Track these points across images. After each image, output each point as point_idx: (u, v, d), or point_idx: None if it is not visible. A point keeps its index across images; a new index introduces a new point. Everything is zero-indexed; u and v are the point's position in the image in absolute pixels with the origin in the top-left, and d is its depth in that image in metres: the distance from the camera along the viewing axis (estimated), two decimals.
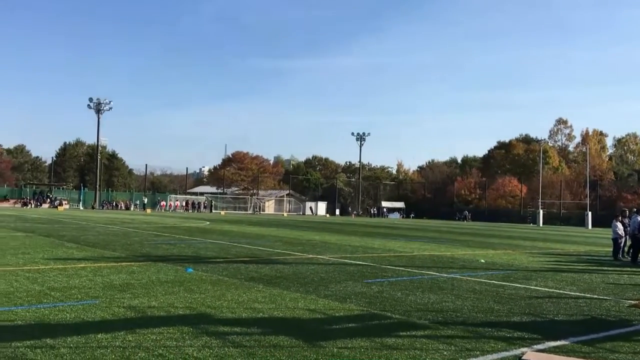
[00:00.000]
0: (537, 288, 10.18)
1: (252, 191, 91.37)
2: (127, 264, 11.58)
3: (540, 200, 67.69)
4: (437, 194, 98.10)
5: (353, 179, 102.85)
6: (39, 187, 79.12)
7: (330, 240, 21.77)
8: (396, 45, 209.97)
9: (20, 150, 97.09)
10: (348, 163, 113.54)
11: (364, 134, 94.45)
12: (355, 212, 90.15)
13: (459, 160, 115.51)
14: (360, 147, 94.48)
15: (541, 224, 63.35)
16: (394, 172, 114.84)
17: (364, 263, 13.30)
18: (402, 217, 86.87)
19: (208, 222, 35.82)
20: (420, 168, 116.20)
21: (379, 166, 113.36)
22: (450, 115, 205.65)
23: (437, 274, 11.80)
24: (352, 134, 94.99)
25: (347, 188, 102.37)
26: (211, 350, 5.13)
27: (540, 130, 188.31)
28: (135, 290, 8.23)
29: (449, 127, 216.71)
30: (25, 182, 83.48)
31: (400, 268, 12.57)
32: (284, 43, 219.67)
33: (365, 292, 8.89)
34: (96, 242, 16.94)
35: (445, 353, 5.35)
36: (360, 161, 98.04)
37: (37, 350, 4.90)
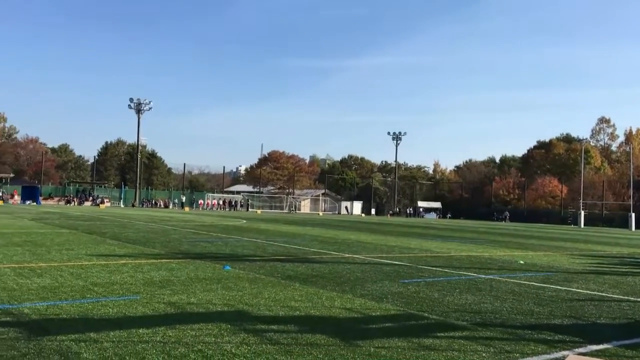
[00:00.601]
0: (579, 290, 9.93)
1: (287, 190, 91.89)
2: (166, 260, 11.80)
3: (581, 200, 66.04)
4: (475, 194, 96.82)
5: (389, 179, 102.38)
6: (82, 185, 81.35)
7: (366, 239, 21.72)
8: (433, 44, 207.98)
9: (64, 149, 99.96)
10: (384, 162, 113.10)
11: (400, 133, 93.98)
12: (390, 211, 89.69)
13: (497, 160, 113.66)
14: (397, 146, 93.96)
15: (582, 225, 61.79)
16: (431, 171, 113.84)
17: (400, 263, 13.23)
18: (439, 217, 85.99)
19: (244, 221, 36.19)
20: (457, 168, 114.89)
21: (415, 165, 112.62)
22: (488, 114, 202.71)
23: (475, 274, 11.64)
24: (388, 133, 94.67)
25: (382, 187, 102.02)
26: (249, 347, 5.19)
27: (581, 130, 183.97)
28: (175, 287, 8.38)
29: (487, 126, 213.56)
30: (68, 180, 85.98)
31: (437, 268, 12.45)
32: (321, 43, 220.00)
33: (402, 292, 8.84)
34: (136, 239, 17.32)
35: (484, 355, 5.28)
36: (396, 160, 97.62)
37: (82, 344, 5.04)
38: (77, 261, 11.09)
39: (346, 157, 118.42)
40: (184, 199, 79.04)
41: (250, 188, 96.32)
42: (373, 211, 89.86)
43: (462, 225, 48.07)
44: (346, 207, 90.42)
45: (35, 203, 64.17)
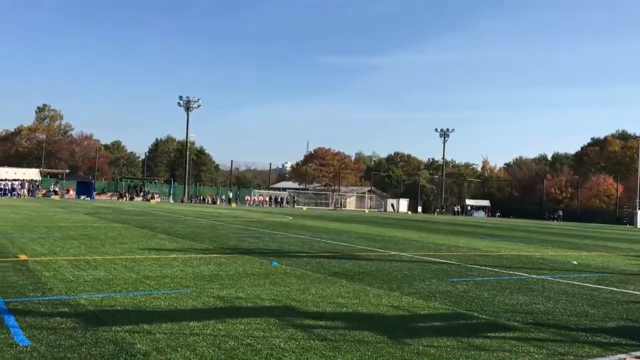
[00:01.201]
0: (636, 292, 9.56)
1: (333, 187, 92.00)
2: (215, 255, 12.02)
3: (638, 200, 63.49)
4: (525, 192, 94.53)
5: (436, 176, 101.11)
6: (133, 181, 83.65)
7: (412, 237, 21.52)
8: (483, 40, 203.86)
9: (116, 146, 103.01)
10: (431, 160, 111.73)
11: (447, 130, 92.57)
12: (437, 209, 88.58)
13: (549, 158, 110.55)
14: (444, 143, 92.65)
15: (639, 226, 59.40)
16: (479, 169, 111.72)
17: (448, 262, 13.05)
18: (487, 215, 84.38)
19: (290, 217, 36.45)
20: (507, 165, 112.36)
21: (463, 163, 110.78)
22: (540, 110, 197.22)
23: (526, 274, 11.37)
24: (436, 130, 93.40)
25: (429, 185, 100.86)
26: (297, 342, 5.23)
27: (638, 126, 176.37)
28: (224, 282, 8.52)
29: (538, 123, 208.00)
30: (120, 176, 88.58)
31: (487, 268, 12.22)
32: (368, 39, 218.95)
33: (450, 290, 8.72)
34: (186, 234, 17.69)
35: (536, 356, 5.15)
36: (443, 157, 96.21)
37: (135, 335, 5.19)
38: (130, 254, 11.42)
39: (392, 154, 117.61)
40: (231, 195, 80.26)
41: (296, 185, 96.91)
42: (419, 209, 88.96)
43: (512, 224, 47.00)
44: (392, 205, 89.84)
45: (89, 198, 66.39)
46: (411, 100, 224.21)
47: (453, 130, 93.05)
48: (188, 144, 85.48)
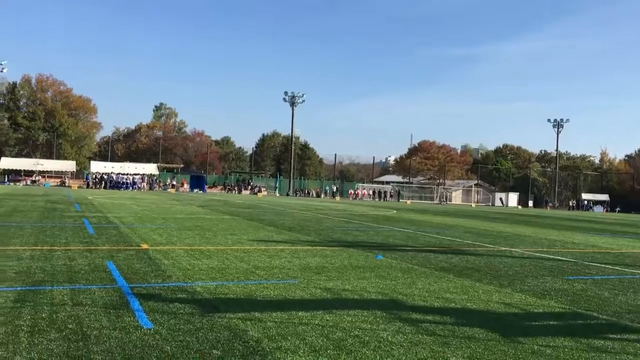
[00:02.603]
0: None
1: (438, 181, 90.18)
2: (320, 248, 12.22)
3: None
4: None
5: (549, 169, 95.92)
6: (241, 175, 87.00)
7: (524, 232, 20.59)
8: (593, 25, 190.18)
9: (226, 141, 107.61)
10: (543, 152, 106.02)
11: (561, 120, 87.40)
12: (550, 204, 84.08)
13: None
14: (558, 134, 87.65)
15: None
16: (597, 161, 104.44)
17: (563, 258, 12.35)
18: (606, 210, 78.86)
19: (394, 211, 36.20)
20: (629, 157, 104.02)
21: (578, 155, 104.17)
22: None
23: None
24: (549, 120, 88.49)
25: (541, 178, 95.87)
26: (405, 336, 5.19)
27: None
28: (330, 273, 8.64)
29: None
30: (230, 170, 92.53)
31: (607, 266, 11.42)
32: (468, 29, 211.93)
33: (566, 289, 8.25)
34: (292, 226, 18.14)
35: None
36: (557, 149, 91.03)
37: (247, 322, 5.41)
38: (240, 245, 11.91)
39: (501, 146, 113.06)
40: (335, 188, 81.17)
41: (399, 178, 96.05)
42: (530, 203, 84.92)
43: (635, 220, 43.56)
44: (500, 199, 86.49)
45: (201, 191, 69.91)
46: (519, 90, 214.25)
47: (567, 120, 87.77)
48: (293, 138, 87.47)
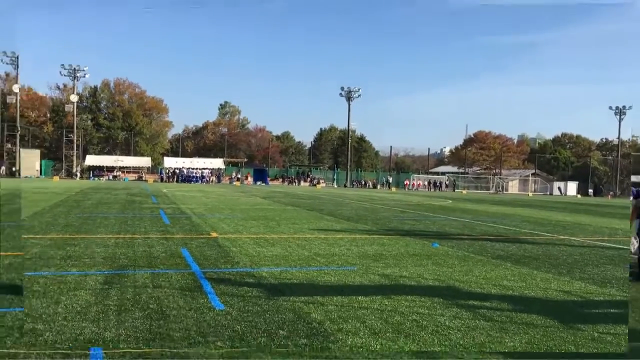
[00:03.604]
0: None
1: (494, 171, 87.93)
2: (378, 236, 12.23)
3: None
4: None
5: (610, 157, 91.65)
6: (301, 168, 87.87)
7: (583, 221, 19.84)
8: None
9: (286, 136, 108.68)
10: (604, 140, 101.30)
11: (624, 107, 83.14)
12: (612, 192, 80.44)
13: None
14: (620, 121, 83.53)
15: None
16: None
17: (625, 247, 11.85)
18: None
19: (450, 201, 35.63)
20: None
21: None
22: None
23: None
24: (610, 107, 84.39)
25: (602, 167, 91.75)
26: (462, 321, 5.17)
27: None
28: (387, 261, 8.66)
29: None
30: (290, 163, 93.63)
31: None
32: (526, 16, 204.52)
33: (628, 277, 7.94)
34: (350, 216, 18.21)
35: None
36: (619, 137, 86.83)
37: (310, 306, 5.53)
38: (302, 234, 12.08)
39: (559, 135, 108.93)
40: (390, 179, 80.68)
41: (454, 169, 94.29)
42: (590, 192, 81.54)
43: None
44: (559, 188, 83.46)
45: (264, 184, 71.09)
46: (578, 77, 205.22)
47: (630, 107, 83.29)
48: (350, 132, 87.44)
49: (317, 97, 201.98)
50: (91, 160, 71.54)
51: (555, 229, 15.81)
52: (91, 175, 68.81)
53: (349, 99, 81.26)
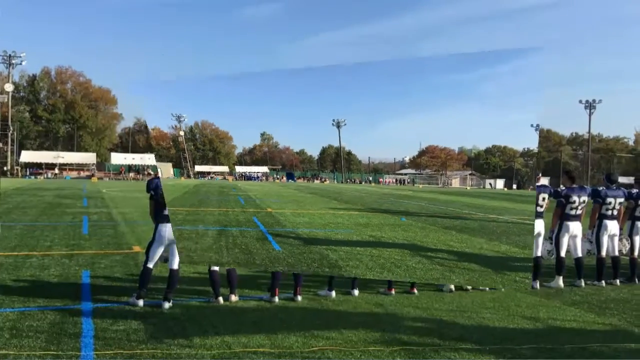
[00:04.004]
0: None
1: (441, 172, 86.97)
2: (365, 212, 12.45)
3: None
4: None
5: (580, 152, 70.19)
6: (314, 171, 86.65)
7: (508, 206, 19.92)
8: None
9: (302, 152, 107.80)
10: (574, 134, 74.52)
11: (593, 101, 60.59)
12: (532, 186, 75.07)
13: None
14: (590, 115, 61.59)
15: None
16: (631, 142, 74.19)
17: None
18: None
19: (411, 192, 34.97)
20: None
21: (612, 137, 73.68)
22: None
23: None
24: (580, 101, 61.04)
25: (572, 162, 68.09)
26: (423, 265, 5.60)
27: None
28: (372, 227, 8.92)
29: None
30: (306, 168, 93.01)
31: None
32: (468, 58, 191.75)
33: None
34: (347, 200, 18.19)
35: None
36: (589, 131, 64.09)
37: (328, 251, 6.09)
38: (319, 210, 12.57)
39: (490, 146, 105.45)
40: (370, 178, 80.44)
41: (413, 171, 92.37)
42: (514, 186, 77.96)
43: None
44: (490, 183, 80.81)
45: (292, 181, 71.17)
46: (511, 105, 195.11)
47: (600, 101, 60.05)
48: (342, 149, 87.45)
49: (322, 117, 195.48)
50: (27, 156, 48.87)
51: (487, 211, 16.08)
52: (27, 173, 46.53)
53: (338, 126, 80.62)
